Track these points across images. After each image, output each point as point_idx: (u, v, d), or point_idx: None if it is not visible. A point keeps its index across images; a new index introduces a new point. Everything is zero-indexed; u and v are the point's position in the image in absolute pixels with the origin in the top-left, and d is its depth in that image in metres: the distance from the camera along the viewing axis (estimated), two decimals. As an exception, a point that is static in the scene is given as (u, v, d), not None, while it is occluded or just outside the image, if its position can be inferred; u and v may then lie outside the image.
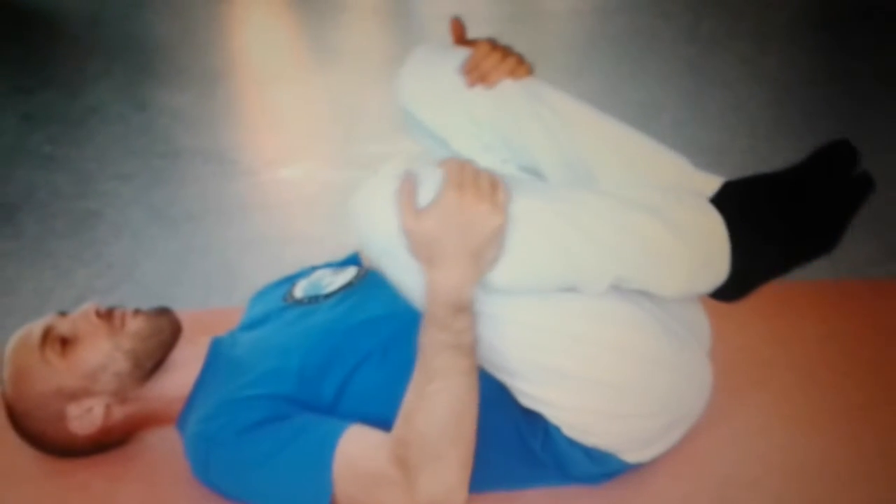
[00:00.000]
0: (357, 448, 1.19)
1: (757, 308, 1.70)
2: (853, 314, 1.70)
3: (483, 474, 1.21)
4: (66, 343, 1.32)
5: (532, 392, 1.24)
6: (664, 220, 1.20)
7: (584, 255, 1.16)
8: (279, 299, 1.49)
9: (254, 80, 4.76)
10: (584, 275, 1.18)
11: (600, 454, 1.26)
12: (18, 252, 2.84)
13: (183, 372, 1.37)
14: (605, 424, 1.24)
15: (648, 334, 1.23)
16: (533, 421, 1.26)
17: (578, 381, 1.21)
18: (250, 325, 1.48)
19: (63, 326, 1.34)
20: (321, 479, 1.18)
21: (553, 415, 1.24)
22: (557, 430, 1.25)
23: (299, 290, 1.49)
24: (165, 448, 1.40)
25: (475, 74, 1.29)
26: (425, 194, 1.12)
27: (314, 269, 1.57)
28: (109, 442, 1.39)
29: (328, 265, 1.58)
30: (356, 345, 1.31)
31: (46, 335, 1.33)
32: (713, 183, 1.27)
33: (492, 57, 1.28)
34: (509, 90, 1.29)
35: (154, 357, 1.35)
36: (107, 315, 1.36)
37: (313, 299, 1.44)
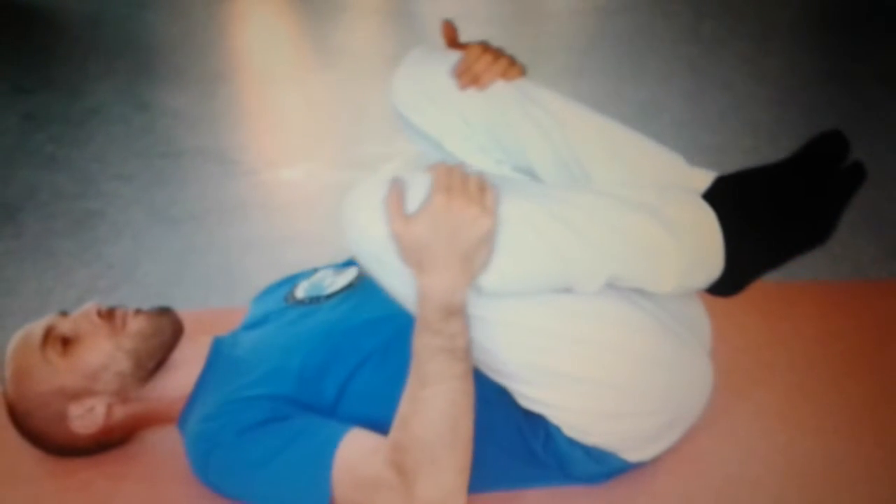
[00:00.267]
0: (356, 452, 1.19)
1: (758, 308, 1.70)
2: (853, 314, 1.70)
3: (484, 474, 1.21)
4: (67, 343, 1.33)
5: (530, 394, 1.24)
6: (657, 217, 1.20)
7: (577, 255, 1.17)
8: (280, 300, 1.50)
9: (255, 80, 4.77)
10: (578, 274, 1.18)
11: (601, 453, 1.26)
12: (19, 252, 2.84)
13: (184, 372, 1.37)
14: (605, 424, 1.24)
15: (646, 333, 1.23)
16: (534, 421, 1.26)
17: (576, 382, 1.21)
18: (251, 325, 1.48)
19: (64, 326, 1.34)
20: (320, 482, 1.18)
21: (553, 415, 1.25)
22: (558, 430, 1.25)
23: (300, 291, 1.49)
24: (166, 448, 1.40)
25: (467, 76, 1.29)
26: (414, 200, 1.13)
27: (316, 270, 1.57)
28: (111, 441, 1.39)
29: (330, 266, 1.58)
30: (357, 345, 1.31)
31: (48, 335, 1.33)
32: (706, 178, 1.28)
33: (483, 59, 1.29)
34: (501, 91, 1.30)
35: (155, 357, 1.35)
36: (108, 315, 1.36)
37: (314, 300, 1.44)
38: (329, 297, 1.43)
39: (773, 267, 1.26)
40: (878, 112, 3.63)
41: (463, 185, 1.12)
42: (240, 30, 5.97)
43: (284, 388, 1.28)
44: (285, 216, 3.04)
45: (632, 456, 1.28)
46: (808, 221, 1.24)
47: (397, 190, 1.13)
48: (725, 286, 1.27)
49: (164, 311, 1.38)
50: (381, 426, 1.20)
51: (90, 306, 1.37)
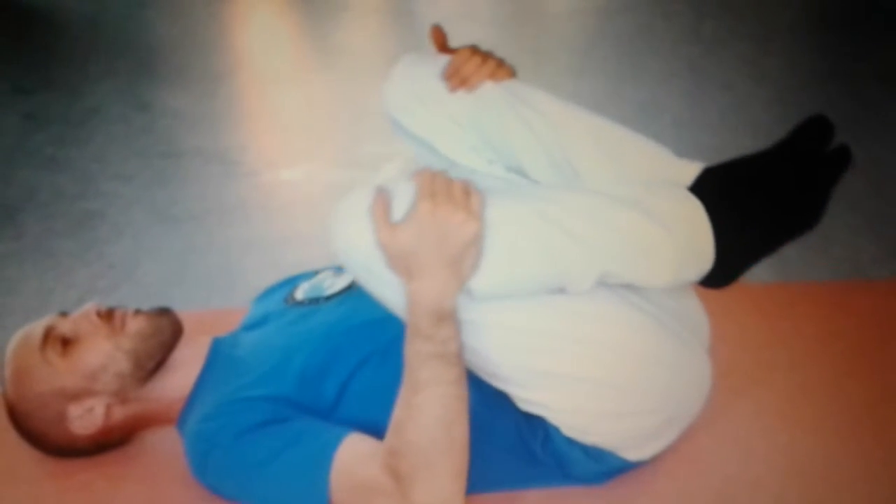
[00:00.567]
0: (354, 456, 1.19)
1: (758, 308, 1.70)
2: (853, 314, 1.70)
3: (484, 475, 1.21)
4: (66, 343, 1.33)
5: (526, 396, 1.24)
6: (645, 212, 1.20)
7: (566, 253, 1.16)
8: (280, 301, 1.50)
9: (255, 80, 4.76)
10: (568, 273, 1.18)
11: (600, 453, 1.26)
12: (20, 252, 2.84)
13: (183, 372, 1.37)
14: (603, 423, 1.24)
15: (646, 332, 1.23)
16: (533, 421, 1.26)
17: (576, 382, 1.21)
18: (251, 325, 1.48)
19: (64, 327, 1.34)
20: (318, 486, 1.18)
21: (551, 416, 1.25)
22: (557, 429, 1.25)
23: (300, 292, 1.49)
24: (166, 448, 1.40)
25: (456, 79, 1.31)
26: (399, 208, 1.13)
27: (317, 272, 1.57)
28: (110, 442, 1.39)
29: (330, 268, 1.58)
30: (357, 346, 1.32)
31: (47, 335, 1.33)
32: (694, 169, 1.28)
33: (472, 61, 1.31)
34: (490, 92, 1.31)
35: (155, 357, 1.35)
36: (107, 315, 1.36)
37: (314, 301, 1.44)
38: (329, 298, 1.43)
39: (763, 255, 1.26)
40: (878, 112, 3.62)
41: (447, 190, 1.13)
42: (240, 30, 5.97)
43: (284, 389, 1.28)
44: (285, 217, 3.03)
45: (631, 455, 1.28)
46: (797, 207, 1.24)
47: (382, 199, 1.13)
48: (717, 278, 1.26)
49: (164, 312, 1.38)
50: (381, 427, 1.20)
51: (90, 307, 1.37)
